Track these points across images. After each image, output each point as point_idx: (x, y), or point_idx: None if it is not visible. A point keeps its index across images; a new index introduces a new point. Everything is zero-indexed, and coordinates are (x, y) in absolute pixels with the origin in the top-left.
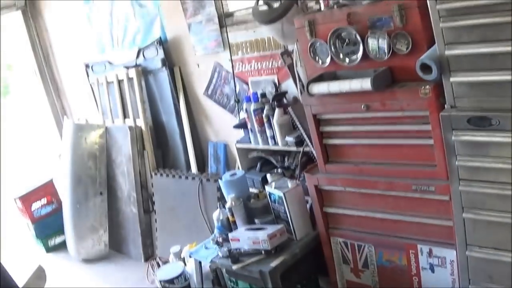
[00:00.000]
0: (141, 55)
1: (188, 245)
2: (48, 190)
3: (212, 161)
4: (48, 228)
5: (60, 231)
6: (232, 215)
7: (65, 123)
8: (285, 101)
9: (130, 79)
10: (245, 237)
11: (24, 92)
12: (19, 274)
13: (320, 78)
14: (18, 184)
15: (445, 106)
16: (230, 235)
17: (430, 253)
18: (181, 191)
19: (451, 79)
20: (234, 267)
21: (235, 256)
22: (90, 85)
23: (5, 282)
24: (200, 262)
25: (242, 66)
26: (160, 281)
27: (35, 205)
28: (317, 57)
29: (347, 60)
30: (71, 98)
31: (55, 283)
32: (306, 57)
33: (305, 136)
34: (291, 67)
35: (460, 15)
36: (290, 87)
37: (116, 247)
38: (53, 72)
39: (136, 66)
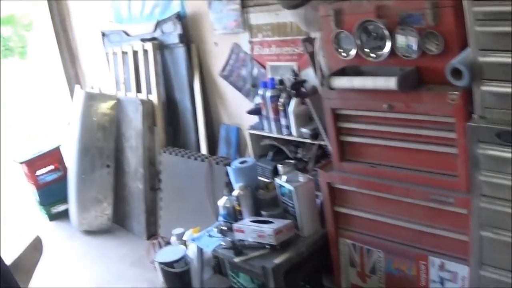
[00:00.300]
0: (158, 28)
1: (192, 229)
2: (54, 157)
3: (223, 144)
4: (52, 196)
5: (64, 199)
6: (239, 204)
7: (76, 90)
8: (303, 90)
9: (145, 52)
10: (250, 229)
11: (41, 55)
12: (19, 242)
13: (343, 72)
14: (26, 148)
15: (473, 115)
16: (235, 225)
17: (441, 267)
18: (189, 172)
19: (482, 88)
20: (237, 259)
21: (238, 248)
22: (105, 54)
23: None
24: (201, 249)
25: (261, 49)
26: (160, 263)
27: (41, 171)
28: (341, 49)
29: (372, 55)
30: (85, 66)
31: (53, 253)
32: (329, 48)
33: (321, 130)
34: (312, 56)
35: (498, 20)
36: (310, 76)
37: (119, 221)
38: (69, 38)
39: (153, 39)
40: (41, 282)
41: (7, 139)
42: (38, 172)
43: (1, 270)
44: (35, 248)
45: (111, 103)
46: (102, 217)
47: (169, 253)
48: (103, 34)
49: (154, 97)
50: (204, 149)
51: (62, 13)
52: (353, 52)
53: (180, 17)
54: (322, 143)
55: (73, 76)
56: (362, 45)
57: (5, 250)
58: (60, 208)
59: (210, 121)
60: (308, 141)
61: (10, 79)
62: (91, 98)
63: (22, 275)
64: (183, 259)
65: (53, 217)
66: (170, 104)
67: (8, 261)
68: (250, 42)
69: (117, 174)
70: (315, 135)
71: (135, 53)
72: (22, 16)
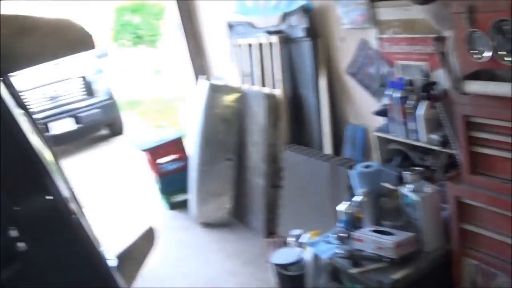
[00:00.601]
0: (284, 21)
1: (310, 233)
2: (177, 146)
3: (348, 144)
4: (173, 185)
5: (184, 189)
6: (360, 211)
7: (201, 81)
8: (434, 93)
9: (271, 45)
10: (369, 240)
11: (169, 44)
12: (134, 230)
13: (476, 75)
14: (152, 135)
15: None
16: (355, 234)
17: None
18: (311, 171)
19: None
20: (353, 270)
21: (355, 258)
22: (231, 46)
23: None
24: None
25: (390, 46)
26: (275, 264)
27: (163, 160)
28: (473, 50)
29: (508, 58)
30: (211, 56)
31: (169, 242)
32: (460, 48)
33: (451, 137)
34: (443, 56)
35: None
36: (441, 78)
37: (238, 216)
38: (195, 28)
39: (279, 32)
40: (152, 271)
41: (135, 125)
42: (160, 161)
43: (103, 269)
44: (148, 239)
45: (235, 95)
46: (221, 211)
47: (285, 255)
48: (230, 26)
49: (278, 92)
50: (327, 149)
51: (189, 3)
52: (487, 54)
53: (307, 10)
54: (451, 151)
55: (199, 66)
56: (497, 47)
57: (122, 236)
58: (180, 198)
59: (335, 119)
60: (437, 148)
61: (139, 67)
62: (216, 90)
63: (132, 265)
64: (299, 263)
65: (173, 206)
66: (294, 99)
67: (119, 250)
68: (378, 38)
69: (238, 169)
70: (445, 142)
71: (260, 46)
72: (152, 5)
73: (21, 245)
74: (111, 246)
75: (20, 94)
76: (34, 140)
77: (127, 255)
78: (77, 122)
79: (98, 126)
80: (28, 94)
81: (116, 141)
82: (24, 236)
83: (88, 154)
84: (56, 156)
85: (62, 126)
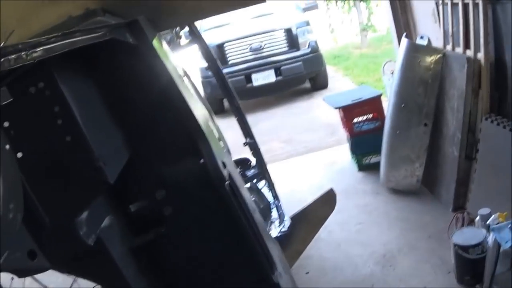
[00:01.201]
0: None
1: (498, 214)
2: (374, 105)
3: None
4: (365, 146)
5: (377, 151)
6: None
7: (402, 40)
8: None
9: (476, 5)
10: None
11: None
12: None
13: None
14: (346, 92)
15: None
16: None
17: None
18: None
19: None
20: None
21: None
22: (435, 3)
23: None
24: None
25: None
26: (455, 244)
27: (358, 119)
28: None
29: None
30: (416, 13)
31: (353, 205)
32: None
33: None
34: None
35: None
36: None
37: (427, 185)
38: None
39: None
40: (329, 234)
41: (338, 80)
42: (355, 120)
43: (250, 242)
44: (327, 202)
45: (436, 57)
46: (411, 178)
47: (468, 235)
48: None
49: (481, 56)
50: None
51: None
52: None
53: None
54: None
55: (403, 22)
56: None
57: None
58: (372, 160)
59: None
60: None
61: (346, 21)
62: (416, 50)
63: (308, 226)
64: (481, 245)
65: (363, 167)
66: (498, 66)
67: (296, 209)
68: None
69: (433, 135)
70: None
71: (465, 6)
72: None
73: (168, 208)
74: (286, 208)
75: (218, 45)
76: (192, 101)
77: (302, 216)
78: (278, 74)
79: (301, 79)
80: (230, 44)
81: (318, 95)
82: (171, 199)
83: (288, 107)
84: (212, 116)
85: (263, 78)
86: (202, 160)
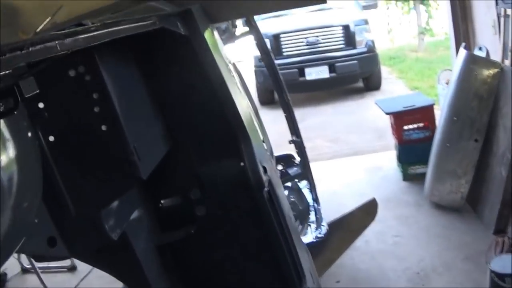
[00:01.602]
0: None
1: None
2: (426, 114)
3: None
4: (413, 155)
5: (424, 162)
6: None
7: (461, 50)
8: None
9: None
10: None
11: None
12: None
13: None
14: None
15: None
16: None
17: None
18: None
19: None
20: None
21: None
22: (497, 14)
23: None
24: None
25: None
26: (492, 271)
27: (408, 127)
28: None
29: None
30: (477, 23)
31: (393, 216)
32: None
33: None
34: None
35: None
36: None
37: (471, 202)
38: None
39: None
40: (366, 244)
41: (392, 83)
42: (405, 127)
43: (281, 253)
44: (368, 211)
45: (494, 71)
46: (455, 194)
47: (506, 263)
48: None
49: None
50: None
51: None
52: None
53: None
54: None
55: (462, 31)
56: None
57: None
58: (418, 170)
59: None
60: None
61: (404, 23)
62: (473, 62)
63: (345, 234)
64: None
65: (408, 177)
66: None
67: (335, 213)
68: None
69: (482, 152)
70: None
71: None
72: None
73: (201, 208)
74: (323, 215)
75: (274, 35)
76: (239, 99)
77: (340, 224)
78: (332, 71)
79: (354, 78)
80: (287, 36)
81: (370, 96)
82: (205, 200)
83: (337, 105)
84: (258, 114)
85: (317, 73)
86: (242, 163)
